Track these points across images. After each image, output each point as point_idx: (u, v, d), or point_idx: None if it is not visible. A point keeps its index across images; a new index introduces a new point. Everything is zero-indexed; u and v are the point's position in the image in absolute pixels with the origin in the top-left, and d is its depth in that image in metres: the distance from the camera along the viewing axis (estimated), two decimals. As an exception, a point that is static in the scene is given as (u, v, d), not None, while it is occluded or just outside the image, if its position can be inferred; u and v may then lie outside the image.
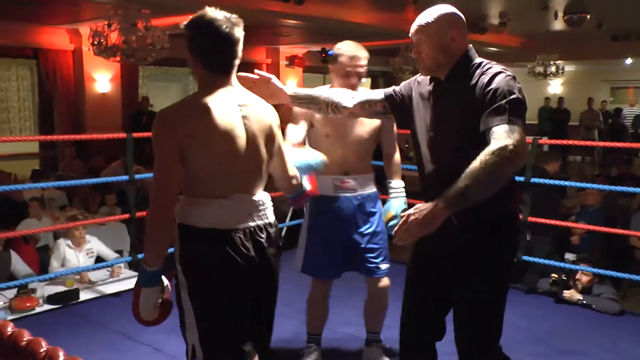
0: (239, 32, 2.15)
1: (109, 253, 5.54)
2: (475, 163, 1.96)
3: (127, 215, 5.07)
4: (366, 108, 2.59)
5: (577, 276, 4.85)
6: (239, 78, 2.31)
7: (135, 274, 5.19)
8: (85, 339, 3.96)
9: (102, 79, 11.57)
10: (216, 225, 2.15)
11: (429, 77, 2.38)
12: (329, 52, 12.61)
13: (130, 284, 5.06)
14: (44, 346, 1.01)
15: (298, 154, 2.77)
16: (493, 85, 2.11)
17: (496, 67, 2.19)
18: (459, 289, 2.34)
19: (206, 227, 2.15)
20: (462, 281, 2.32)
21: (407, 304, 2.52)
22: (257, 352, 2.32)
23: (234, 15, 2.16)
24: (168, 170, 2.08)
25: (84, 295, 4.77)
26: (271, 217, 2.32)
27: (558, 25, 11.38)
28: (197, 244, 2.17)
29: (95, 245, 5.46)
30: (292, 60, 14.82)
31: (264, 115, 2.28)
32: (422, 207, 2.01)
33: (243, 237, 2.19)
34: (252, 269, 2.21)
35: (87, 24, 9.73)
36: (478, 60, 2.27)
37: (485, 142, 2.04)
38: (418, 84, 2.46)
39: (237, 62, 2.19)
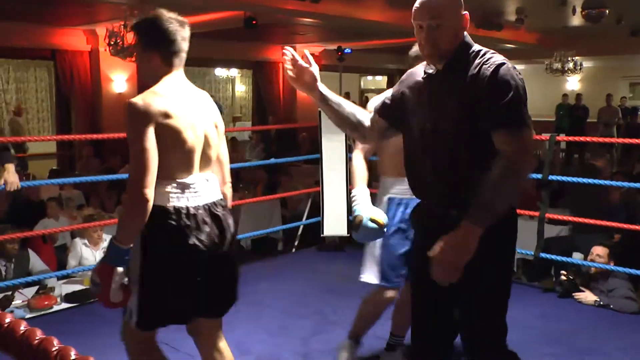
0: (188, 31, 2.43)
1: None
2: (494, 174, 1.95)
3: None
4: (375, 128, 2.43)
5: (591, 257, 4.82)
6: (285, 54, 2.34)
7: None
8: (102, 337, 3.97)
9: (119, 79, 11.64)
10: (180, 204, 2.32)
11: (419, 68, 2.28)
12: (345, 51, 12.57)
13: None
14: (55, 345, 1.01)
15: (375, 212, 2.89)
16: (496, 81, 2.03)
17: (496, 57, 2.10)
18: (461, 287, 2.25)
19: (171, 206, 2.31)
20: (464, 279, 2.24)
21: (415, 304, 2.45)
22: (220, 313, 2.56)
23: (181, 17, 2.42)
24: (148, 154, 2.22)
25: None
26: (220, 194, 2.52)
27: (576, 20, 11.28)
28: (163, 222, 2.29)
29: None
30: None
31: (210, 104, 2.54)
32: (450, 237, 1.97)
33: (204, 212, 2.37)
34: (213, 242, 2.38)
35: (103, 25, 9.81)
36: (476, 47, 2.17)
37: (485, 137, 2.02)
38: (407, 77, 2.36)
39: (185, 56, 2.44)
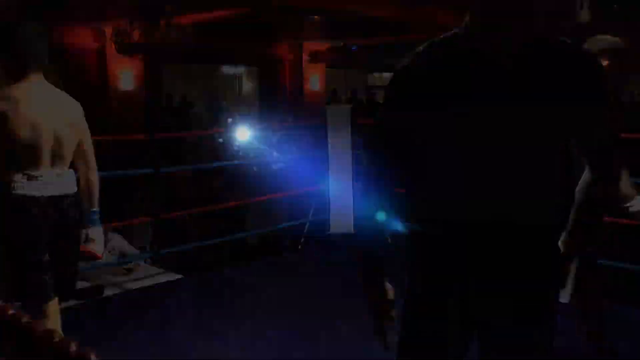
0: (45, 37, 2.72)
1: (130, 250, 5.57)
2: (599, 202, 1.80)
3: (148, 218, 5.29)
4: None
5: None
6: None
7: (158, 270, 5.25)
8: (109, 334, 3.99)
9: (126, 77, 11.66)
10: (24, 192, 2.65)
11: (441, 59, 1.61)
12: (352, 47, 12.53)
13: (154, 280, 5.11)
14: (56, 338, 1.01)
15: None
16: (603, 91, 1.61)
17: (582, 48, 1.69)
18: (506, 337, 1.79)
19: (17, 193, 2.64)
20: (512, 326, 1.78)
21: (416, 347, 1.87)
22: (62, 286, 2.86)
23: (39, 24, 2.71)
24: None
25: (108, 291, 4.80)
26: (72, 189, 2.83)
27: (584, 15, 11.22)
28: (10, 207, 2.65)
29: (117, 242, 5.49)
30: (314, 56, 14.83)
31: (68, 107, 2.83)
32: None
33: (46, 202, 2.69)
34: (54, 228, 2.73)
35: (110, 23, 9.83)
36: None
37: (568, 149, 1.66)
38: (428, 74, 1.62)
39: (43, 60, 2.72)
